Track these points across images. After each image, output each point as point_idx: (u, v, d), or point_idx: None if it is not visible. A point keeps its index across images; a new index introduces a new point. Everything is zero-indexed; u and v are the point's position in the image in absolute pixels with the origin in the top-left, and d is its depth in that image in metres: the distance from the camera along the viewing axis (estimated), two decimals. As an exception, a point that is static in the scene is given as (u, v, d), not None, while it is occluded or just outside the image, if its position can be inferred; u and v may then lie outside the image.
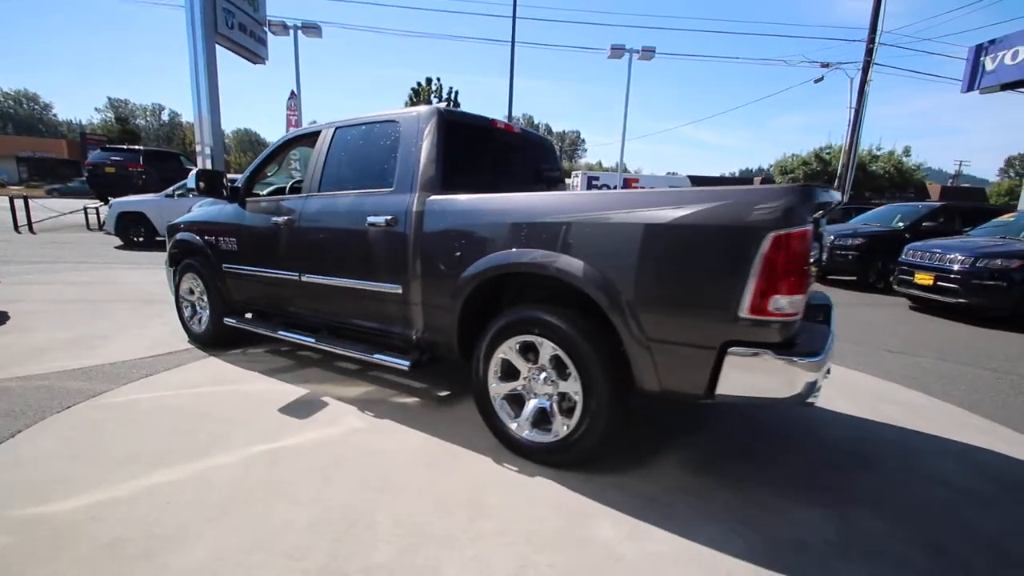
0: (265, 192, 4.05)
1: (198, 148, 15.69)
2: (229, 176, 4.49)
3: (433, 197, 2.72)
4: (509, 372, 2.56)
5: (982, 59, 17.22)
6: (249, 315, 4.06)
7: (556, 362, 2.38)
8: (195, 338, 4.31)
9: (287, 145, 3.73)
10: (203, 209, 4.21)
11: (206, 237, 3.96)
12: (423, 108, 2.92)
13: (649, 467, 2.48)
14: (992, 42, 16.86)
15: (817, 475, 2.50)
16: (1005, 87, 16.54)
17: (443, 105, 2.98)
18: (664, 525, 2.03)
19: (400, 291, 2.81)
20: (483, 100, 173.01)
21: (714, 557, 1.86)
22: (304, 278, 3.29)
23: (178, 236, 4.26)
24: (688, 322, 1.99)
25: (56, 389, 3.19)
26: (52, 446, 2.50)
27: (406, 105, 32.07)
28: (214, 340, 4.18)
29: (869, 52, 18.45)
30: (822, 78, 22.97)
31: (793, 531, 2.04)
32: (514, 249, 2.35)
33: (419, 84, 32.35)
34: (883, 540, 2.01)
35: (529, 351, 2.47)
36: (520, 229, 2.36)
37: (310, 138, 3.63)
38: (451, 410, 3.09)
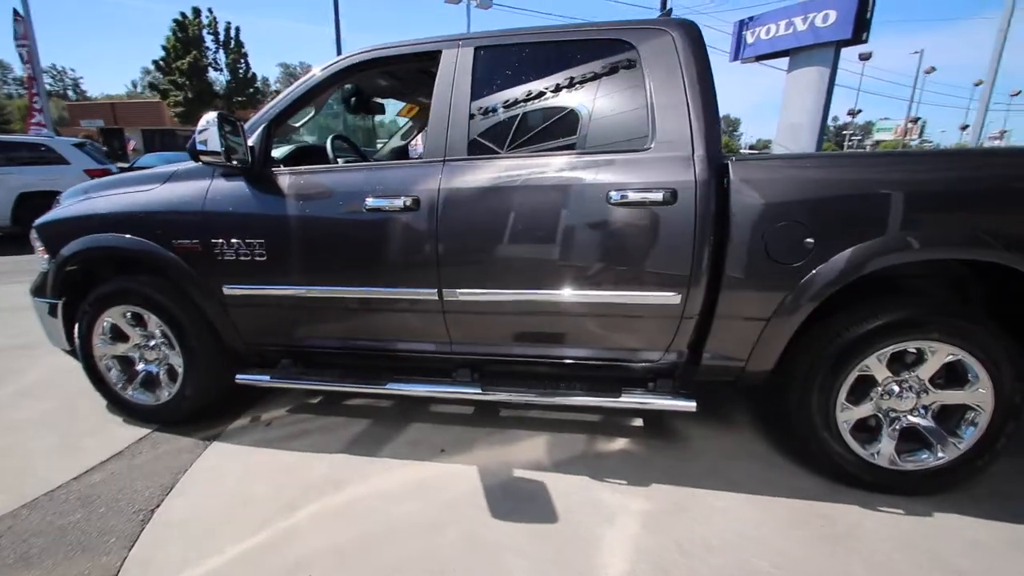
0: (281, 155, 2.41)
1: None
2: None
3: (741, 159, 1.85)
4: (860, 391, 1.94)
5: (744, 33, 20.60)
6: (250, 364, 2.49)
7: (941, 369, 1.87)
8: (147, 414, 2.52)
9: (343, 75, 2.21)
10: (139, 192, 2.34)
11: (179, 241, 2.22)
12: (669, 21, 1.93)
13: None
14: (751, 19, 20.25)
15: None
16: (760, 58, 20.27)
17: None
18: None
19: (677, 300, 1.90)
20: (284, 46, 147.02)
21: None
22: (456, 295, 2.04)
23: (83, 243, 2.34)
24: None
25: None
26: None
27: (170, 44, 25.34)
28: (196, 413, 2.49)
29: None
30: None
31: None
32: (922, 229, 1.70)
33: (183, 16, 25.69)
34: None
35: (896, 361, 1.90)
36: (925, 199, 1.72)
37: (401, 64, 2.24)
38: (685, 450, 2.31)
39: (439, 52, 2.08)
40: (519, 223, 1.94)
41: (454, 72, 2.04)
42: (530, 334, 2.12)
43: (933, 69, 37.82)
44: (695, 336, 1.99)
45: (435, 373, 2.30)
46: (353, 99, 2.83)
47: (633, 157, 1.89)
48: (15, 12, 11.97)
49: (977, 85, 42.65)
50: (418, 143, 3.38)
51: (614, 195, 1.85)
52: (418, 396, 2.46)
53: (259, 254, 2.16)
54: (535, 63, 2.03)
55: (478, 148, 2.02)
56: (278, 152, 2.45)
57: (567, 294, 1.97)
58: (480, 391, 2.13)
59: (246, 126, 2.14)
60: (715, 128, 1.88)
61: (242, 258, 2.18)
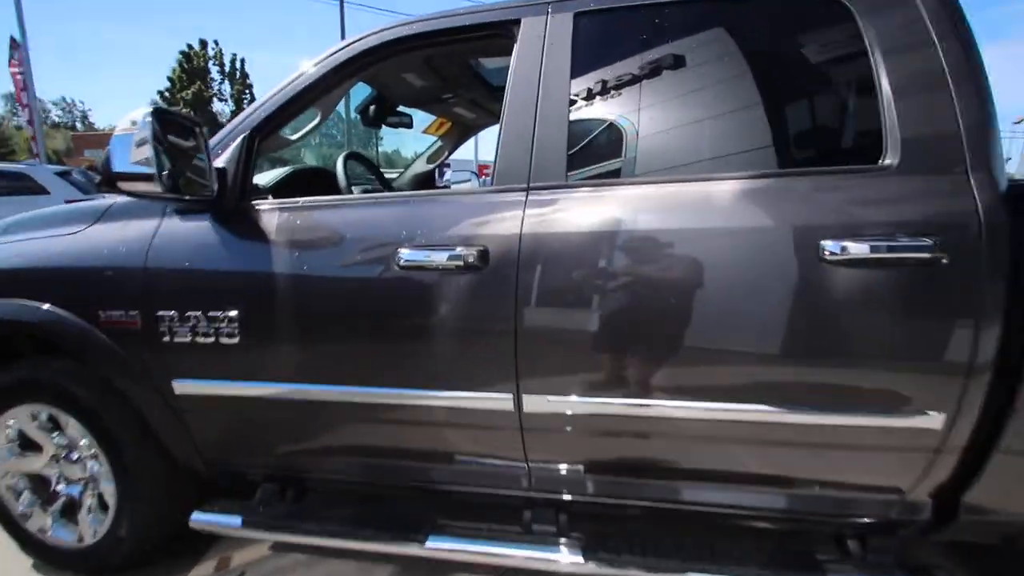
0: (269, 182, 1.66)
1: None
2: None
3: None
4: None
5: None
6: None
7: None
8: (68, 560, 1.72)
9: (366, 60, 1.47)
10: (57, 237, 1.57)
11: (108, 312, 1.44)
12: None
13: None
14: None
15: None
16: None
17: None
18: None
19: (937, 424, 1.10)
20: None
21: None
22: (543, 404, 1.25)
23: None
24: None
25: None
26: None
27: (175, 75, 25.27)
28: (137, 559, 1.68)
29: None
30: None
31: None
32: None
33: (190, 47, 25.73)
34: None
35: None
36: None
37: (454, 43, 1.50)
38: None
39: (516, 23, 1.34)
40: (658, 293, 1.17)
41: (542, 52, 1.29)
42: (663, 469, 1.32)
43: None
44: (952, 477, 1.18)
45: (497, 511, 1.49)
46: (372, 107, 2.09)
47: (858, 181, 1.12)
48: (13, 41, 11.57)
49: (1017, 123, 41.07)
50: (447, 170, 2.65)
51: (830, 246, 1.07)
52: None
53: (228, 333, 1.37)
54: (673, 34, 1.28)
55: (584, 169, 1.27)
56: (264, 178, 1.70)
57: (737, 409, 1.18)
58: (582, 560, 1.31)
59: (213, 140, 1.39)
60: (993, 130, 1.12)
61: (202, 339, 1.39)
